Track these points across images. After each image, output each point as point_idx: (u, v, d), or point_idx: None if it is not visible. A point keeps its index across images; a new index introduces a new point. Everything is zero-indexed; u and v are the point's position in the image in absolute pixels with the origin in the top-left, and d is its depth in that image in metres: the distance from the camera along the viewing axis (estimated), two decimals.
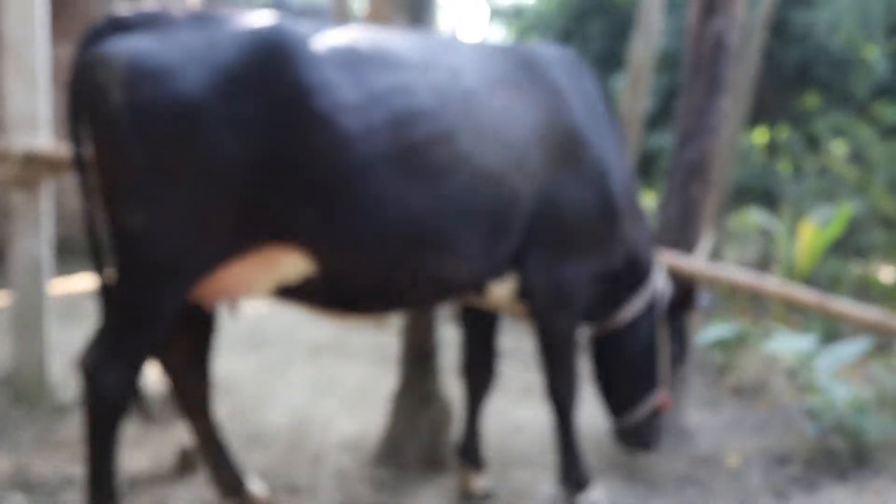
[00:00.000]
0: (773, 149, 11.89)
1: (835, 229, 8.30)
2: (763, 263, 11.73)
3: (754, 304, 9.26)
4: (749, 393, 6.28)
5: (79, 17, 9.58)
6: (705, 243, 5.21)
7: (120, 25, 3.34)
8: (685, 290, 4.54)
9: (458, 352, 4.58)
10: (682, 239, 5.16)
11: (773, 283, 5.46)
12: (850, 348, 5.46)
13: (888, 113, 10.37)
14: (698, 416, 5.75)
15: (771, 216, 10.14)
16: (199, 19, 3.38)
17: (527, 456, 5.08)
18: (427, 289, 3.79)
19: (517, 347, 7.59)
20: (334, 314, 3.80)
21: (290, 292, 3.63)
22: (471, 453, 4.52)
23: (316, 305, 3.73)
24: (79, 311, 7.06)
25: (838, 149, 11.65)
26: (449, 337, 6.63)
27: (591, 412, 5.43)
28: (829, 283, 9.09)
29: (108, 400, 3.36)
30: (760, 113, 11.47)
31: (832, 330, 7.98)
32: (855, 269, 9.54)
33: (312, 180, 3.33)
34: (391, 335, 7.69)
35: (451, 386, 5.07)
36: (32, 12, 4.80)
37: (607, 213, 4.10)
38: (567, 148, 3.96)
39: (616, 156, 4.22)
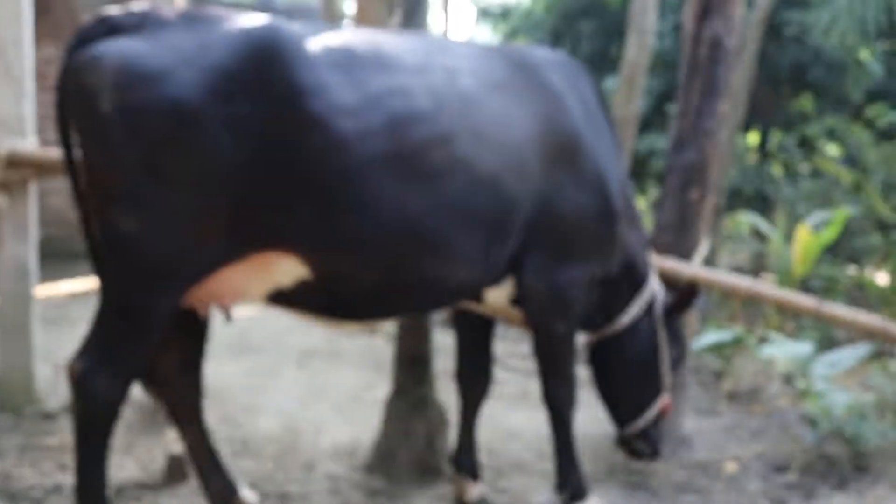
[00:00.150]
0: (766, 151, 11.86)
1: (830, 233, 8.27)
2: (756, 267, 11.69)
3: (747, 309, 9.21)
4: (745, 399, 6.23)
5: (60, 17, 9.50)
6: (703, 248, 5.15)
7: (109, 27, 3.26)
8: (684, 291, 4.47)
9: (453, 357, 4.51)
10: (680, 243, 5.10)
11: (770, 289, 5.41)
12: (848, 354, 5.42)
13: (883, 116, 10.34)
14: (695, 422, 5.70)
15: (764, 219, 10.09)
16: (191, 20, 3.31)
17: (522, 463, 5.02)
18: (424, 294, 3.73)
19: (511, 352, 7.54)
20: (329, 320, 3.74)
21: (285, 298, 3.56)
22: (466, 461, 4.44)
23: (310, 311, 3.67)
24: (64, 315, 6.97)
25: (833, 152, 11.64)
26: (443, 342, 6.56)
27: (586, 418, 5.35)
28: (824, 288, 9.04)
29: (98, 407, 3.29)
30: (754, 115, 11.45)
31: (827, 336, 7.94)
32: (849, 273, 9.48)
33: (308, 183, 3.26)
34: (383, 340, 7.61)
35: (446, 392, 5.00)
36: (20, 13, 4.71)
37: (605, 215, 4.04)
38: (565, 151, 3.90)
39: (613, 159, 4.16)
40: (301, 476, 4.62)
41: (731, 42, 5.05)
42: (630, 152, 8.08)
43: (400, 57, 3.56)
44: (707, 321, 7.73)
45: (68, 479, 4.36)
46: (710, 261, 5.78)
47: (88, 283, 8.04)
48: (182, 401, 3.82)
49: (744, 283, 5.41)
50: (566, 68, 4.15)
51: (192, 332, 3.77)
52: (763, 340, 6.83)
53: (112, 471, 4.27)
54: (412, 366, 4.70)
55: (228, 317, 3.67)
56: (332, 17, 10.44)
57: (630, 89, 6.95)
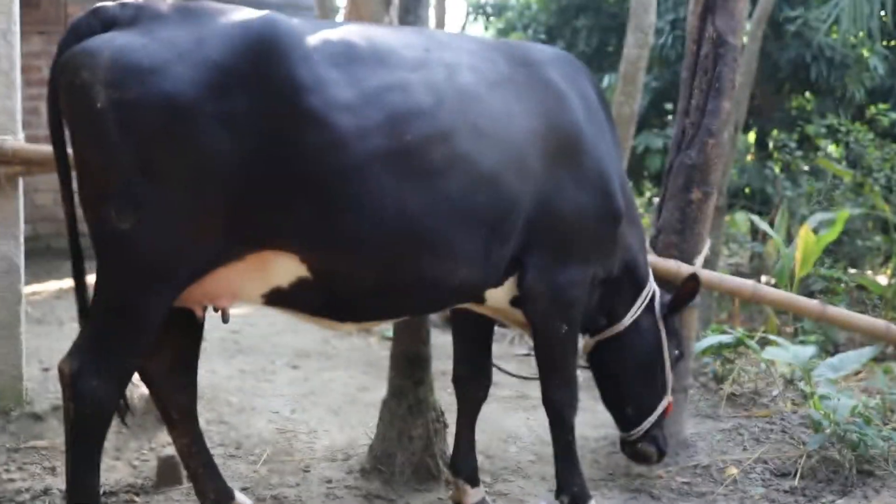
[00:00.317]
0: (766, 150, 11.82)
1: (831, 234, 8.22)
2: (755, 268, 11.64)
3: (745, 309, 9.17)
4: (746, 402, 6.15)
5: (47, 10, 9.40)
6: (705, 249, 5.08)
7: (103, 20, 3.18)
8: (684, 287, 4.39)
9: (451, 358, 4.43)
10: (682, 244, 5.01)
11: (775, 293, 5.35)
12: (852, 358, 5.37)
13: (885, 115, 10.29)
14: (696, 425, 5.62)
15: (762, 219, 10.04)
16: (186, 14, 3.22)
17: (520, 466, 4.95)
18: (424, 294, 3.65)
19: (508, 353, 7.47)
20: (327, 322, 3.66)
21: (282, 298, 3.48)
22: (464, 465, 4.35)
23: (308, 312, 3.59)
24: (51, 314, 6.88)
25: (833, 151, 11.59)
26: (440, 342, 6.49)
27: (584, 421, 5.28)
28: (825, 289, 8.99)
29: (90, 408, 3.19)
30: (754, 114, 11.40)
31: (828, 338, 7.89)
32: (848, 274, 9.43)
33: (305, 181, 3.18)
34: (376, 341, 7.53)
35: (443, 393, 4.92)
36: (9, 6, 4.61)
37: (607, 215, 3.96)
38: (566, 149, 3.82)
39: (614, 157, 4.09)
40: (296, 480, 4.55)
41: (735, 40, 4.96)
42: (628, 151, 8.01)
43: (399, 52, 3.48)
44: (708, 324, 7.68)
45: (58, 481, 4.29)
46: (709, 262, 5.70)
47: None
48: (176, 402, 3.75)
49: (747, 286, 5.33)
50: (567, 65, 4.08)
51: (187, 333, 3.70)
52: (764, 343, 6.77)
53: (102, 473, 4.18)
54: (410, 367, 4.61)
55: (225, 318, 3.58)
56: (325, 12, 10.32)
57: (628, 87, 6.86)
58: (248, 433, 5.12)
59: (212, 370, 6.03)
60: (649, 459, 4.48)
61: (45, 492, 4.22)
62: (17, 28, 4.67)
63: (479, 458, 4.53)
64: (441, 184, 3.40)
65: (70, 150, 3.39)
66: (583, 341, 4.33)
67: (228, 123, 3.08)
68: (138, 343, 3.25)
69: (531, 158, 3.68)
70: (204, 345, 3.84)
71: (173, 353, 3.70)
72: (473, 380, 4.39)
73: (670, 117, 13.28)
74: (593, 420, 5.40)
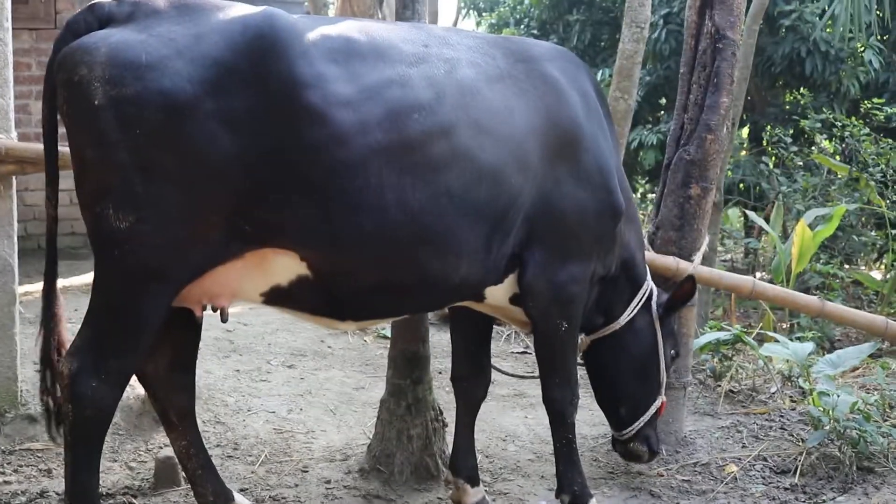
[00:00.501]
0: (761, 146, 11.80)
1: (828, 229, 8.20)
2: (749, 263, 11.63)
3: (740, 305, 9.15)
4: (744, 399, 6.13)
5: (36, 7, 9.33)
6: (704, 246, 5.06)
7: (99, 17, 3.14)
8: (681, 287, 4.37)
9: (450, 356, 4.40)
10: (681, 241, 4.99)
11: (774, 289, 5.33)
12: (850, 354, 5.35)
13: (880, 110, 10.27)
14: (695, 422, 5.60)
15: (758, 215, 10.02)
16: (183, 9, 3.19)
17: (520, 465, 4.91)
18: (425, 292, 3.62)
19: (504, 351, 7.45)
20: (327, 321, 3.62)
21: (282, 297, 3.46)
22: (464, 464, 4.32)
23: (308, 312, 3.56)
24: None
25: (827, 146, 11.58)
26: (438, 340, 6.46)
27: (585, 419, 5.26)
28: (821, 285, 8.98)
29: (89, 410, 3.17)
30: (747, 109, 11.38)
31: (824, 334, 7.88)
32: (844, 270, 9.43)
33: (305, 178, 3.15)
34: (372, 340, 7.49)
35: (441, 392, 4.89)
36: (1, 3, 4.55)
37: (607, 211, 3.95)
38: (565, 145, 3.80)
39: (612, 153, 4.07)
40: (294, 480, 4.51)
41: (734, 35, 4.93)
42: (624, 146, 7.99)
43: (398, 47, 3.45)
44: (705, 320, 7.66)
45: (54, 484, 4.25)
46: (707, 258, 5.68)
47: (67, 282, 7.90)
48: (174, 404, 3.73)
49: (747, 282, 5.31)
50: (566, 61, 4.06)
51: (186, 333, 3.67)
52: (761, 339, 6.77)
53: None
54: (408, 366, 4.57)
55: (224, 317, 3.54)
56: (316, 7, 10.27)
57: (625, 82, 6.83)
58: (246, 434, 5.08)
59: (207, 370, 5.99)
60: (640, 458, 4.49)
61: (42, 494, 4.18)
62: (8, 25, 4.61)
63: (478, 458, 4.50)
64: (442, 179, 3.37)
65: (62, 150, 3.37)
66: (579, 340, 4.30)
67: (227, 120, 3.05)
68: (138, 343, 3.23)
69: (531, 154, 3.66)
70: None
71: (172, 353, 3.68)
72: (473, 379, 4.36)
73: (663, 112, 13.28)
74: (592, 418, 5.37)
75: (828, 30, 10.91)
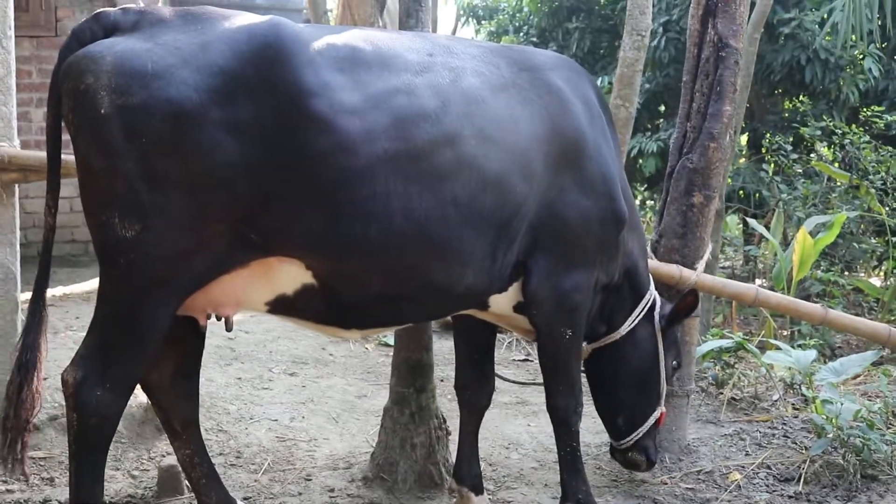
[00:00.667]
0: (760, 153, 11.79)
1: (829, 237, 8.20)
2: (748, 271, 11.62)
3: (741, 312, 9.14)
4: (747, 407, 6.12)
5: (36, 14, 9.32)
6: (707, 254, 5.05)
7: (105, 26, 3.15)
8: (685, 300, 4.37)
9: (452, 365, 4.39)
10: (684, 249, 4.99)
11: (777, 297, 5.33)
12: (853, 361, 5.35)
13: (880, 117, 10.28)
14: (698, 430, 5.59)
15: (758, 222, 10.02)
16: (189, 19, 3.19)
17: (523, 473, 4.91)
18: (430, 300, 3.62)
19: (506, 358, 7.44)
20: (331, 329, 3.62)
21: (287, 306, 3.45)
22: (468, 473, 4.31)
23: (313, 320, 3.56)
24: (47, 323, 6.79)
25: (828, 154, 11.58)
26: (441, 348, 6.44)
27: (588, 427, 5.25)
28: (821, 292, 8.98)
29: (93, 419, 3.17)
30: (746, 116, 11.37)
31: (825, 342, 7.87)
32: (844, 277, 9.42)
33: (311, 186, 3.15)
34: (374, 347, 7.48)
35: (444, 399, 4.88)
36: (5, 10, 4.55)
37: (610, 219, 3.95)
38: (570, 153, 3.81)
39: (615, 162, 4.08)
40: (298, 489, 4.51)
41: (737, 43, 4.94)
42: (624, 154, 7.99)
43: (403, 56, 3.46)
44: (707, 328, 7.65)
45: (57, 492, 4.24)
46: (709, 266, 5.67)
47: (68, 289, 7.88)
48: (178, 412, 3.73)
49: (750, 290, 5.30)
50: (569, 70, 4.07)
51: (189, 342, 3.67)
52: (762, 347, 6.77)
53: None
54: (411, 374, 4.56)
55: (228, 326, 3.54)
56: (317, 14, 10.28)
57: (626, 90, 6.82)
58: (248, 442, 5.06)
59: (209, 378, 5.97)
60: (638, 468, 4.51)
61: (45, 502, 4.17)
62: (11, 33, 4.60)
63: (482, 466, 4.49)
64: (447, 187, 3.37)
65: (65, 158, 3.36)
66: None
67: (233, 129, 3.05)
68: (142, 352, 3.23)
69: (535, 163, 3.66)
70: None
71: (175, 362, 3.67)
72: (476, 387, 4.36)
73: (663, 120, 13.27)
74: (595, 426, 5.36)
75: (827, 38, 10.91)
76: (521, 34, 15.32)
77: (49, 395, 4.85)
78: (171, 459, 4.23)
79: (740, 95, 8.80)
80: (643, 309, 4.34)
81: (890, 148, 9.86)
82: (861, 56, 11.15)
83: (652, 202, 14.51)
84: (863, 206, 9.43)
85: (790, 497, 4.70)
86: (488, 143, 3.49)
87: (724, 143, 4.99)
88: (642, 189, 14.19)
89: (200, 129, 3.00)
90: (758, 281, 10.65)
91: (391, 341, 6.62)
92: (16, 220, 4.65)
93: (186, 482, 4.08)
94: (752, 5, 7.97)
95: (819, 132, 10.36)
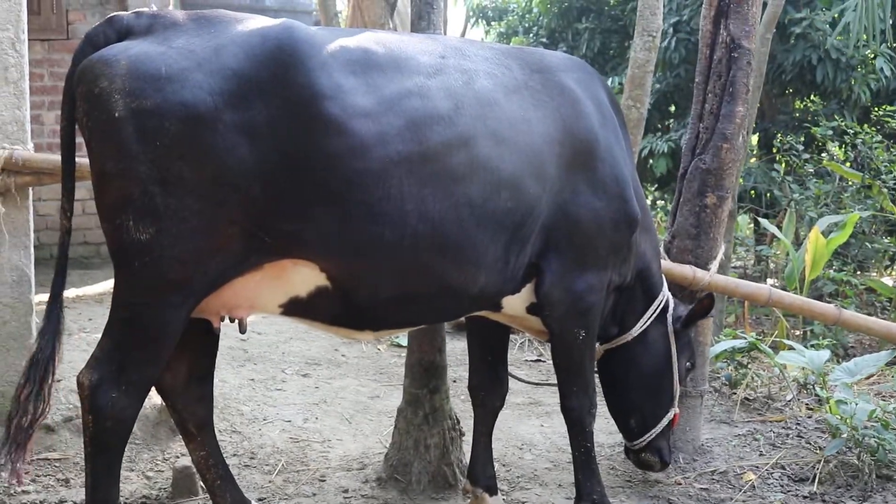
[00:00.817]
0: (771, 153, 11.76)
1: (842, 236, 8.18)
2: (760, 271, 11.60)
3: (753, 312, 9.12)
4: (760, 407, 6.11)
5: (48, 18, 9.36)
6: (720, 255, 5.04)
7: (118, 29, 3.15)
8: (700, 304, 4.37)
9: (464, 366, 4.39)
10: (697, 250, 4.98)
11: (791, 298, 5.32)
12: (868, 362, 5.34)
13: (892, 117, 10.25)
14: (712, 431, 5.58)
15: (770, 222, 10.00)
16: (202, 22, 3.20)
17: (537, 473, 4.90)
18: (443, 302, 3.62)
19: (519, 359, 7.43)
20: (344, 331, 3.63)
21: (300, 308, 3.46)
22: (482, 474, 4.32)
23: (326, 322, 3.56)
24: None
25: (840, 154, 11.56)
26: (453, 349, 6.44)
27: (601, 427, 5.24)
28: (834, 292, 8.96)
29: (110, 420, 3.18)
30: (759, 116, 11.36)
31: (839, 342, 7.85)
32: (856, 276, 9.40)
33: (325, 188, 3.15)
34: (386, 348, 7.49)
35: (458, 400, 4.88)
36: (19, 13, 4.57)
37: (624, 219, 3.94)
38: (582, 154, 3.80)
39: (627, 163, 4.07)
40: (312, 489, 4.51)
41: (749, 44, 4.93)
42: (635, 155, 7.97)
43: (416, 59, 3.46)
44: (719, 328, 7.64)
45: (72, 493, 4.26)
46: (722, 266, 5.66)
47: (80, 291, 7.91)
48: (193, 414, 3.73)
49: (763, 291, 5.29)
50: (580, 71, 4.06)
51: (203, 344, 3.68)
52: (775, 347, 6.75)
53: None
54: (425, 375, 4.56)
55: (242, 328, 3.55)
56: (328, 16, 10.29)
57: (637, 91, 6.82)
58: (262, 443, 5.08)
59: (222, 379, 5.99)
60: (652, 468, 4.51)
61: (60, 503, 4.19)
62: (24, 37, 4.62)
63: (496, 466, 4.49)
64: (461, 189, 3.37)
65: (78, 161, 3.38)
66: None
67: (247, 132, 3.05)
68: (157, 354, 3.24)
69: (548, 164, 3.66)
70: None
71: (189, 364, 3.68)
72: (489, 388, 4.36)
73: (673, 120, 13.26)
74: (609, 426, 5.35)
75: (838, 38, 10.88)
76: (531, 35, 15.33)
77: (63, 397, 4.88)
78: (186, 460, 4.24)
79: (752, 96, 8.80)
80: (656, 310, 4.34)
81: None
82: (873, 56, 11.13)
83: (663, 202, 14.51)
84: (875, 205, 9.41)
85: (805, 497, 4.68)
86: (501, 145, 3.49)
87: (737, 144, 4.98)
88: (653, 189, 14.18)
89: (214, 132, 3.01)
90: (770, 281, 10.64)
91: (404, 342, 6.64)
92: (30, 222, 4.67)
93: (201, 483, 4.08)
94: (764, 5, 7.96)
95: (831, 132, 10.34)
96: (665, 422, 4.37)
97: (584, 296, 3.88)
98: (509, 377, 4.46)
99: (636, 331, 4.31)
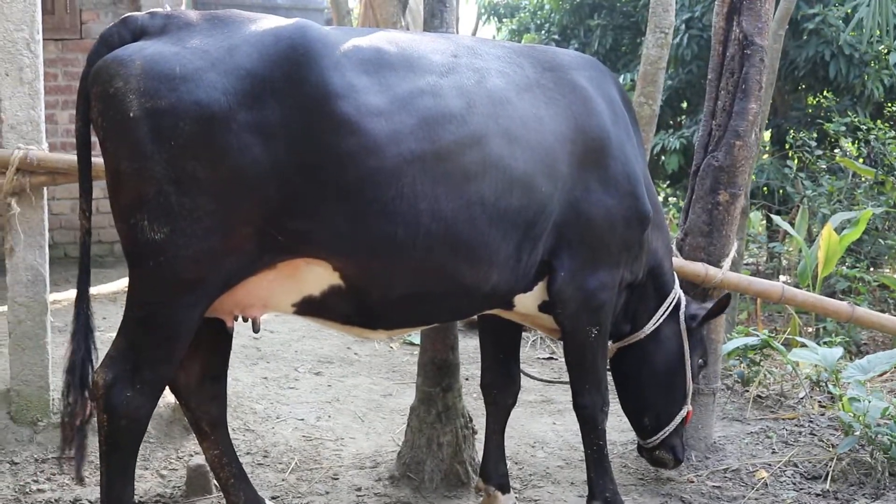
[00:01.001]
0: (784, 149, 11.75)
1: (855, 233, 8.16)
2: (772, 267, 11.58)
3: (765, 309, 9.11)
4: (773, 404, 6.11)
5: (62, 17, 9.39)
6: (733, 252, 5.04)
7: (133, 30, 3.17)
8: (717, 304, 4.38)
9: (477, 364, 4.40)
10: (709, 247, 4.97)
11: (804, 295, 5.31)
12: (881, 359, 5.32)
13: None
14: (724, 428, 5.58)
15: (782, 219, 9.98)
16: (216, 22, 3.22)
17: (549, 471, 4.91)
18: (456, 300, 3.63)
19: (531, 356, 7.44)
20: (357, 330, 3.63)
21: (313, 307, 3.47)
22: (494, 472, 4.32)
23: (339, 321, 3.57)
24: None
25: (853, 150, 11.53)
26: (465, 346, 6.45)
27: (614, 426, 5.25)
28: (847, 289, 8.94)
29: (125, 419, 3.20)
30: (771, 112, 11.34)
31: (850, 339, 7.83)
32: (869, 273, 9.38)
33: (338, 187, 3.16)
34: (398, 346, 7.50)
35: (470, 398, 4.89)
36: (34, 14, 4.59)
37: (636, 217, 3.94)
38: (594, 152, 3.80)
39: (639, 160, 4.07)
40: (325, 488, 4.52)
41: (762, 41, 4.92)
42: (648, 152, 7.97)
43: (428, 58, 3.46)
44: (732, 325, 7.63)
45: (87, 492, 4.27)
46: (734, 263, 5.65)
47: (94, 290, 7.92)
48: (207, 413, 3.74)
49: (776, 288, 5.29)
50: (592, 69, 4.06)
51: (217, 343, 3.69)
52: (787, 344, 6.74)
53: None
54: (438, 374, 4.58)
55: (256, 327, 3.56)
56: (340, 14, 10.30)
57: (649, 88, 6.81)
58: (275, 441, 5.09)
59: (235, 378, 6.01)
60: (666, 466, 4.51)
61: (75, 502, 4.22)
62: (39, 38, 4.65)
63: (508, 464, 4.50)
64: (474, 188, 3.38)
65: (95, 161, 3.40)
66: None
67: (261, 131, 3.07)
68: (171, 353, 3.25)
69: (560, 162, 3.66)
70: None
71: (203, 363, 3.69)
72: (502, 386, 4.36)
73: (685, 117, 13.24)
74: (621, 424, 5.35)
75: (851, 33, 10.85)
76: (543, 32, 15.32)
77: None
78: (200, 459, 4.26)
79: (765, 92, 8.79)
80: (668, 308, 4.34)
81: None
82: (886, 51, 11.09)
83: (675, 199, 14.48)
84: (888, 201, 9.39)
85: (817, 495, 4.68)
86: (514, 143, 3.50)
87: (750, 141, 4.97)
88: (665, 186, 14.16)
89: (228, 132, 3.02)
90: (782, 278, 10.63)
91: (416, 340, 6.65)
92: (44, 222, 4.70)
93: (215, 482, 4.10)
94: (777, 1, 7.95)
95: (844, 128, 10.31)
96: (678, 419, 4.37)
97: (596, 293, 3.88)
98: (522, 375, 4.47)
99: (649, 328, 4.31)
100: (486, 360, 4.41)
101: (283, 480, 4.58)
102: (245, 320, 3.57)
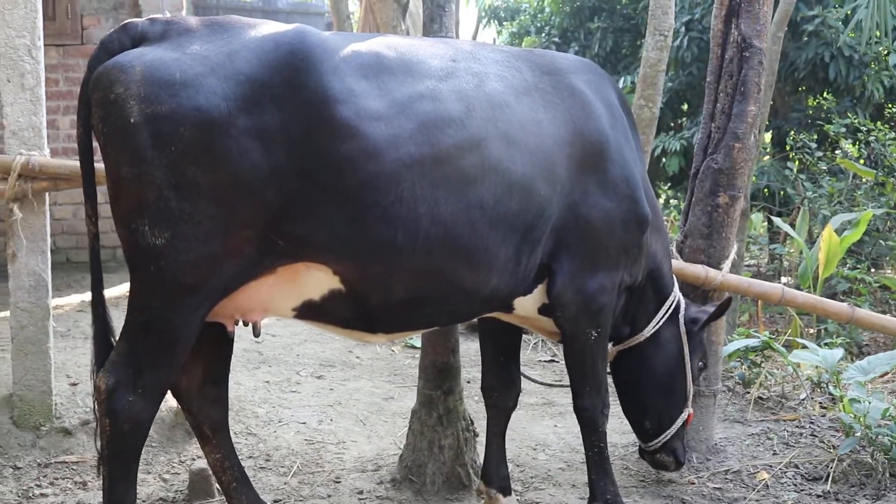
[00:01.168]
0: (784, 151, 11.76)
1: (855, 234, 8.17)
2: (773, 269, 11.58)
3: (766, 310, 9.11)
4: (774, 406, 6.12)
5: (63, 23, 9.41)
6: (732, 254, 5.05)
7: (133, 36, 3.18)
8: (717, 307, 4.39)
9: (477, 367, 4.41)
10: (709, 249, 4.99)
11: (804, 296, 5.32)
12: (882, 360, 5.33)
13: None
14: (725, 430, 5.59)
15: (783, 220, 9.99)
16: (215, 28, 3.22)
17: (550, 474, 4.92)
18: (456, 304, 3.63)
19: (532, 359, 7.45)
20: (357, 334, 3.65)
21: (314, 311, 3.48)
22: (496, 475, 4.34)
23: (339, 325, 3.58)
24: (76, 328, 6.87)
25: (853, 151, 11.54)
26: (467, 349, 6.47)
27: (615, 427, 5.26)
28: (848, 290, 8.94)
29: (127, 424, 3.20)
30: (771, 114, 11.35)
31: (851, 340, 7.84)
32: (869, 274, 9.38)
33: (338, 192, 3.17)
34: (400, 350, 7.51)
35: (471, 401, 4.90)
36: (35, 20, 4.61)
37: (635, 220, 3.95)
38: (592, 155, 3.81)
39: (638, 164, 4.09)
40: (327, 491, 4.54)
41: (761, 43, 4.93)
42: (648, 154, 7.98)
43: (427, 62, 3.47)
44: (733, 327, 7.64)
45: (90, 496, 4.29)
46: (735, 265, 5.67)
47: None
48: (208, 417, 3.75)
49: (776, 290, 5.30)
50: (591, 73, 4.07)
51: (218, 347, 3.69)
52: (788, 346, 6.74)
53: None
54: (439, 377, 4.59)
55: (256, 331, 3.58)
56: (340, 19, 10.32)
57: (649, 91, 6.82)
58: (277, 445, 5.11)
59: (237, 382, 6.03)
60: (667, 468, 4.53)
61: None
62: (41, 44, 4.67)
63: (509, 467, 4.51)
64: (473, 192, 3.39)
65: (98, 167, 3.41)
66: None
67: (260, 136, 3.08)
68: (173, 358, 3.26)
69: (559, 166, 3.67)
70: None
71: (204, 367, 3.70)
72: (502, 389, 4.38)
73: (685, 119, 13.25)
74: (622, 426, 5.36)
75: (851, 35, 10.86)
76: (543, 35, 15.33)
77: (80, 400, 4.92)
78: (202, 463, 4.28)
79: (764, 94, 8.80)
80: (667, 310, 4.35)
81: None
82: (886, 52, 11.10)
83: (676, 201, 14.50)
84: (889, 202, 9.40)
85: (818, 496, 4.69)
86: (513, 147, 3.51)
87: (749, 144, 4.98)
88: (666, 188, 14.17)
89: (228, 137, 3.03)
90: (783, 279, 10.63)
91: (417, 343, 6.65)
92: (47, 227, 4.71)
93: (217, 485, 4.11)
94: (776, 3, 7.96)
95: (844, 129, 10.32)
96: (679, 422, 4.38)
97: (595, 296, 3.89)
98: (522, 378, 4.48)
99: (648, 331, 4.32)
100: (486, 363, 4.42)
101: (285, 484, 4.59)
102: (246, 324, 3.58)
